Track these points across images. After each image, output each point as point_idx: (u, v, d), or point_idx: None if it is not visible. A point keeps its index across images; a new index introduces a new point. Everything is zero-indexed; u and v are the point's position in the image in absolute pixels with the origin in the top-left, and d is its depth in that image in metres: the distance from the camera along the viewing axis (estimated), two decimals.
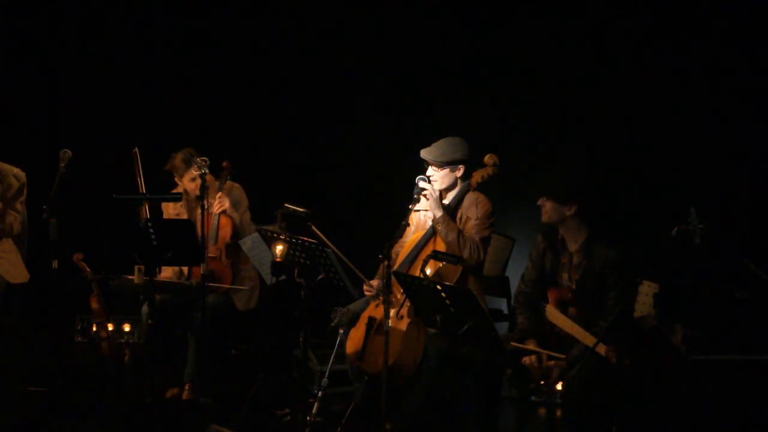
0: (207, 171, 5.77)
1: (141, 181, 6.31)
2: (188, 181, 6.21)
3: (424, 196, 5.37)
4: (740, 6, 6.62)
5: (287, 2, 7.86)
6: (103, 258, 6.11)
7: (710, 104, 6.68)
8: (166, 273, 6.21)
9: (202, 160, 5.80)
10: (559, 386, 5.07)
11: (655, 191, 6.79)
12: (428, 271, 5.18)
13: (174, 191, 6.37)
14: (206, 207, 5.74)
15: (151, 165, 6.38)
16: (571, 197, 5.15)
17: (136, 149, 6.35)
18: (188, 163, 6.11)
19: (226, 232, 6.17)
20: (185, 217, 6.30)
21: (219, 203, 6.15)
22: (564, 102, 7.22)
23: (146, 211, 6.22)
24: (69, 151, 5.93)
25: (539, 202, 5.23)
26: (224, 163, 6.24)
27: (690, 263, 5.24)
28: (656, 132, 6.88)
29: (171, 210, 6.38)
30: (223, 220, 6.18)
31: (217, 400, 5.92)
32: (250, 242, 5.77)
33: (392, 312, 5.20)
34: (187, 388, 6.06)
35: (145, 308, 5.99)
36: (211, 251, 6.13)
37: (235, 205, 6.22)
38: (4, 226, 5.95)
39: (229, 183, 6.29)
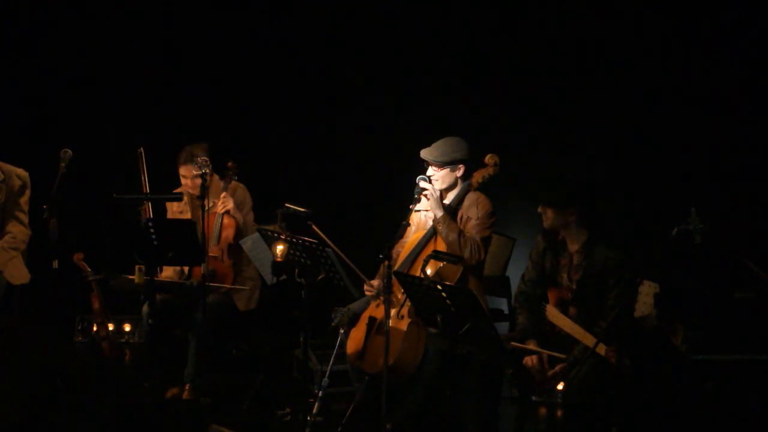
0: (207, 171, 5.77)
1: (145, 181, 6.30)
2: (183, 171, 6.18)
3: (425, 196, 5.38)
4: (741, 7, 6.62)
5: (289, 4, 7.86)
6: (103, 258, 6.10)
7: (710, 104, 6.68)
8: (167, 272, 6.21)
9: (203, 160, 5.81)
10: (559, 386, 5.08)
11: (655, 191, 6.79)
12: (429, 271, 5.18)
13: (176, 191, 6.36)
14: (207, 207, 5.74)
15: (153, 164, 6.37)
16: (570, 203, 5.15)
17: (142, 149, 6.34)
18: (191, 158, 6.10)
19: (229, 232, 6.17)
20: (188, 215, 6.30)
21: (223, 203, 6.15)
22: (564, 102, 7.22)
23: (149, 210, 6.23)
24: (69, 151, 5.92)
25: (539, 210, 5.22)
26: (229, 164, 6.24)
27: (690, 263, 5.24)
28: (656, 132, 6.88)
29: (175, 208, 6.38)
30: (227, 220, 6.18)
31: (217, 400, 5.92)
32: (251, 242, 5.78)
33: (393, 312, 5.20)
34: (187, 388, 6.06)
35: (145, 308, 5.98)
36: (213, 251, 6.13)
37: (238, 205, 6.21)
38: (16, 244, 5.97)
39: (233, 183, 6.28)
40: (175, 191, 6.36)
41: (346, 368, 5.57)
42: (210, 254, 6.08)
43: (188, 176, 6.18)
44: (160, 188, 6.33)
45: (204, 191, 5.72)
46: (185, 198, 6.32)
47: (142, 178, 6.32)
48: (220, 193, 6.19)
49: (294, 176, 7.72)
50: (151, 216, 6.25)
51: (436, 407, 5.27)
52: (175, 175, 6.29)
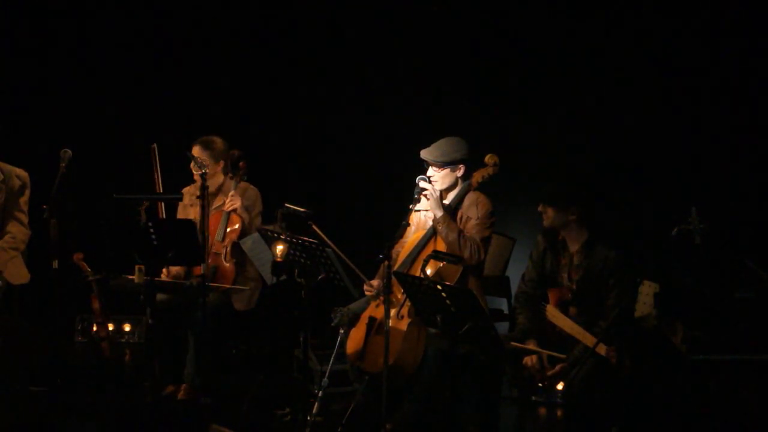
0: (207, 172, 5.78)
1: (158, 178, 6.29)
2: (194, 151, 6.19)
3: (425, 196, 5.38)
4: (740, 7, 6.63)
5: (290, 4, 7.86)
6: (103, 258, 6.10)
7: (710, 104, 6.69)
8: (175, 269, 6.19)
9: (203, 160, 5.81)
10: (559, 386, 5.08)
11: (655, 191, 6.80)
12: (429, 271, 5.18)
13: (183, 189, 6.37)
14: (206, 207, 5.74)
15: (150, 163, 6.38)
16: (571, 202, 5.16)
17: (155, 145, 6.33)
18: (201, 147, 6.11)
19: (234, 231, 6.16)
20: (197, 208, 6.28)
21: (231, 202, 6.15)
22: (565, 102, 7.22)
23: (162, 210, 6.24)
24: (69, 151, 5.92)
25: (540, 209, 5.23)
26: (240, 163, 6.24)
27: (690, 263, 5.25)
28: (657, 131, 6.88)
29: (186, 200, 6.36)
30: (234, 219, 6.18)
31: (217, 400, 5.92)
32: (251, 242, 5.77)
33: (393, 312, 5.20)
34: (185, 388, 6.06)
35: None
36: (216, 247, 6.13)
37: (247, 207, 6.20)
38: (16, 244, 5.98)
39: (244, 184, 6.27)
40: (181, 190, 6.36)
41: (346, 368, 5.57)
42: (213, 251, 6.09)
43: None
44: (163, 187, 6.33)
45: (203, 192, 5.72)
46: (195, 192, 6.31)
47: (155, 175, 6.30)
48: (230, 192, 6.19)
49: (294, 176, 7.72)
50: (164, 215, 6.26)
51: (436, 407, 5.27)
52: (180, 175, 6.29)
